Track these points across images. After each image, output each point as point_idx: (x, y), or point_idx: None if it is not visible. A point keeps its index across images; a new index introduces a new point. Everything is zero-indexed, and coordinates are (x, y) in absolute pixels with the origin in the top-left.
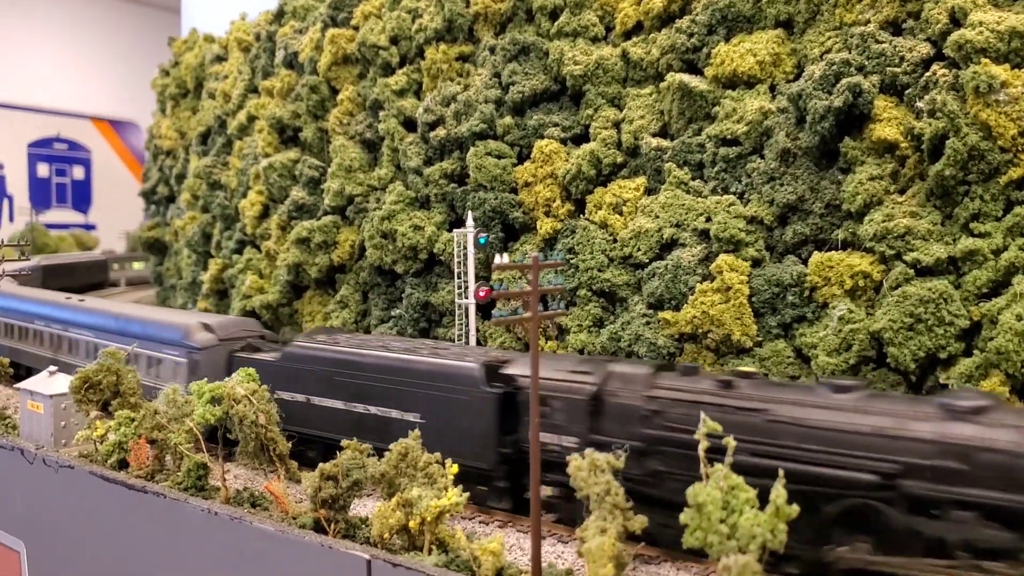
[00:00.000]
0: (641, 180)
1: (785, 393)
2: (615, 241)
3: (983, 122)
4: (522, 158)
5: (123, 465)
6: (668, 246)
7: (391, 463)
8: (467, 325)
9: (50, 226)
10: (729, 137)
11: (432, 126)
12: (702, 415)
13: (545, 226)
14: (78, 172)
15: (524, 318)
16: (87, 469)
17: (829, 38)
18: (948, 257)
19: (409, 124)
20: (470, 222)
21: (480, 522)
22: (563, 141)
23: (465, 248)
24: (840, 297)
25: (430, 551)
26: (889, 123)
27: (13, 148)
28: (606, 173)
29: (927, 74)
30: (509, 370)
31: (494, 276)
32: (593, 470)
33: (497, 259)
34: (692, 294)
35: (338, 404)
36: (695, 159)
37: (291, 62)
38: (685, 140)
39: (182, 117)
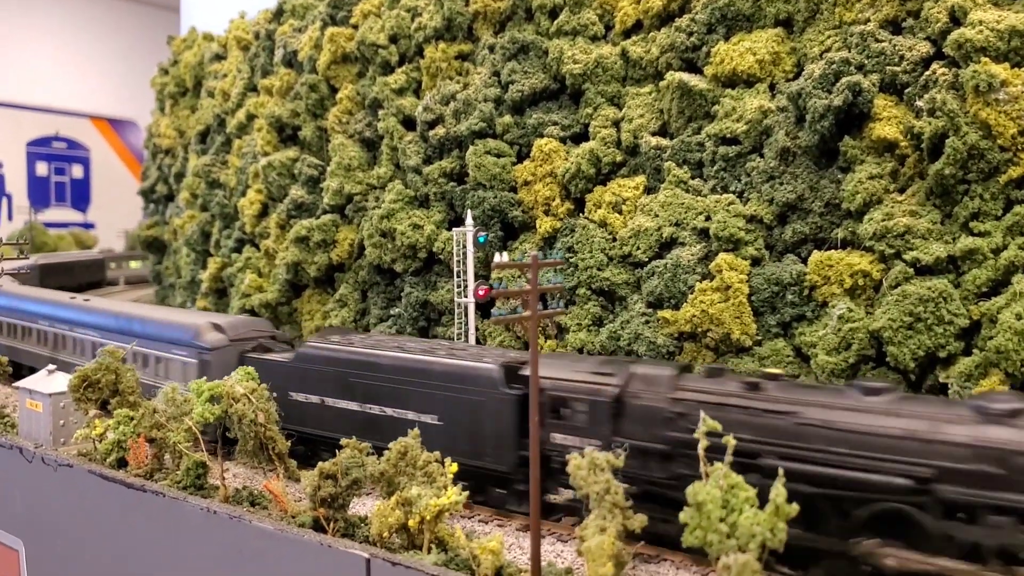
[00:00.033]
0: (640, 179)
1: (814, 395)
2: (614, 240)
3: (983, 121)
4: (521, 157)
5: (122, 464)
6: (667, 245)
7: (390, 462)
8: (466, 324)
9: (49, 225)
10: (729, 136)
11: (431, 125)
12: (702, 413)
13: (544, 225)
14: (77, 171)
15: (523, 317)
16: (86, 468)
17: (829, 37)
18: (948, 256)
19: (408, 123)
20: (469, 221)
21: (479, 521)
22: (562, 140)
23: (464, 247)
24: (840, 296)
25: (429, 550)
26: (889, 122)
27: (12, 147)
28: (605, 172)
29: (927, 73)
30: (528, 371)
31: (493, 275)
32: (593, 469)
33: (496, 258)
34: (691, 293)
35: (353, 406)
36: (694, 158)
37: (290, 61)
38: (684, 139)
39: (181, 116)
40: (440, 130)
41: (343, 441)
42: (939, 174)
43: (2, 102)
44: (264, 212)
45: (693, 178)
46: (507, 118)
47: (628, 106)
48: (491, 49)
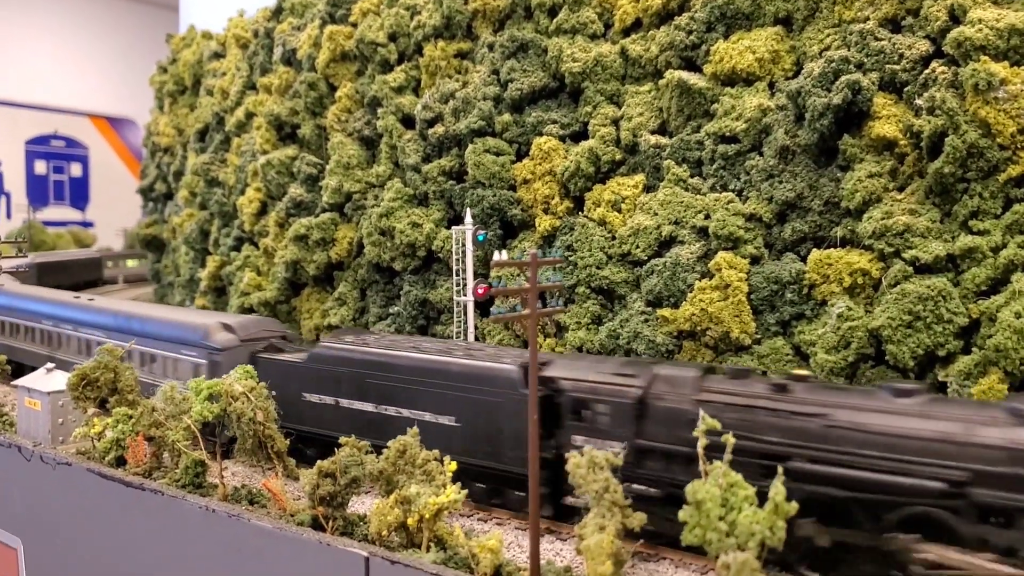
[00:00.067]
0: (640, 177)
1: (844, 397)
2: (614, 238)
3: (982, 119)
4: (521, 155)
5: (121, 462)
6: (667, 243)
7: (389, 460)
8: (465, 322)
9: (48, 223)
10: (728, 134)
11: (430, 123)
12: (701, 412)
13: (544, 223)
14: (76, 169)
15: (522, 315)
16: (84, 466)
17: (828, 35)
18: (947, 255)
19: (407, 121)
20: (468, 219)
21: (479, 519)
22: (562, 138)
23: (463, 245)
24: (839, 295)
25: (428, 548)
26: (888, 120)
27: (11, 145)
28: (605, 170)
29: (926, 71)
30: (548, 372)
31: (492, 273)
32: (592, 467)
33: (495, 256)
34: (691, 291)
35: (368, 407)
36: (694, 156)
37: (289, 59)
38: (684, 137)
39: (180, 114)
40: (439, 128)
41: (342, 440)
42: (938, 173)
43: (1, 100)
44: (263, 210)
45: (692, 176)
46: (506, 116)
47: (627, 104)
48: (490, 47)
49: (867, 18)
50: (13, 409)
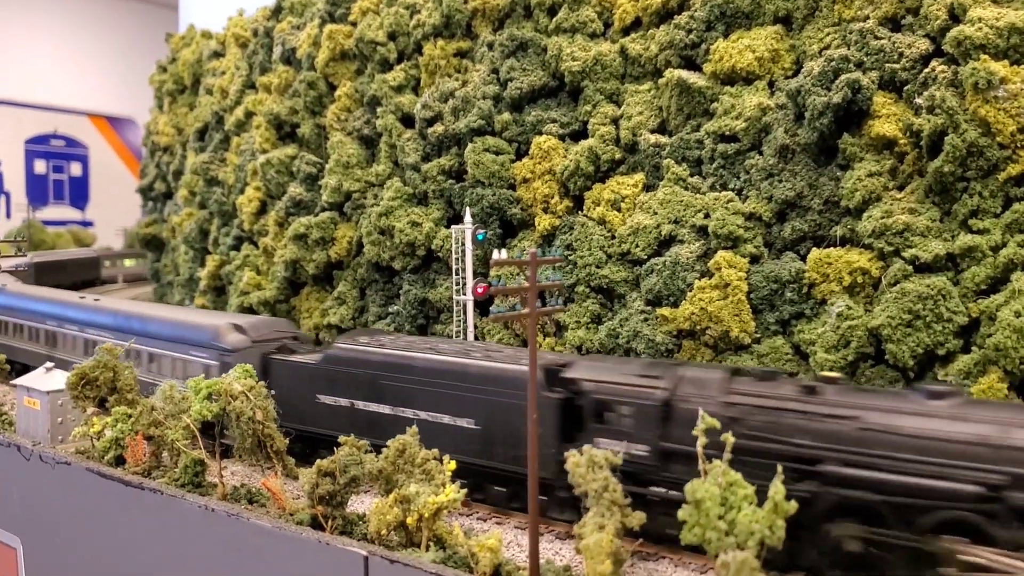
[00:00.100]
0: (639, 176)
1: (876, 400)
2: (613, 237)
3: (982, 118)
4: (520, 154)
5: (120, 461)
6: (666, 243)
7: (389, 459)
8: (465, 321)
9: (47, 223)
10: (728, 133)
11: (430, 122)
12: (700, 412)
13: (543, 222)
14: (75, 169)
15: (522, 314)
16: (84, 466)
17: (828, 34)
18: (947, 254)
19: (407, 120)
20: (468, 218)
21: (478, 519)
22: (561, 137)
23: (463, 244)
24: (838, 294)
25: (428, 548)
26: (888, 119)
27: (10, 144)
28: (604, 169)
29: (926, 70)
30: (570, 373)
31: (492, 272)
32: (591, 466)
33: (495, 255)
34: (690, 291)
35: (385, 409)
36: (693, 155)
37: (289, 58)
38: (683, 136)
39: (179, 113)
40: (439, 127)
41: (341, 439)
42: (938, 172)
43: (1, 100)
44: (262, 210)
45: (692, 176)
46: (506, 115)
47: (627, 103)
48: (490, 46)
49: (867, 17)
50: (12, 408)
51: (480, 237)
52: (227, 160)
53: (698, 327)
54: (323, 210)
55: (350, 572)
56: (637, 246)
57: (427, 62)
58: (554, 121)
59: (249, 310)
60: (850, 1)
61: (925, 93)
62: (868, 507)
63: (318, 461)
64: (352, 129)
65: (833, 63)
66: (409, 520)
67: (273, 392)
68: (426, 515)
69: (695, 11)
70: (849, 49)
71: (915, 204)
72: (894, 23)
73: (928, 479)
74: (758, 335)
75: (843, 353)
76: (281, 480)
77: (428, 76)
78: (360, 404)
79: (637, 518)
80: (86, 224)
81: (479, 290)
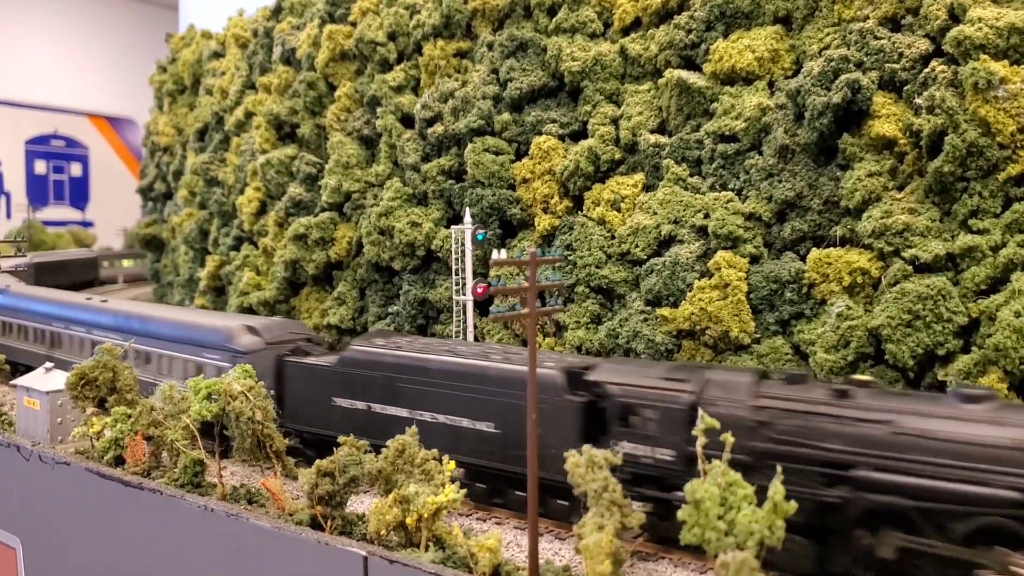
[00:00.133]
0: (639, 176)
1: (910, 403)
2: (613, 238)
3: (982, 118)
4: (520, 154)
5: (119, 462)
6: (666, 243)
7: (388, 460)
8: (464, 322)
9: (47, 223)
10: (727, 133)
11: (430, 122)
12: (700, 412)
13: (543, 223)
14: (75, 169)
15: (521, 314)
16: (83, 466)
17: (828, 34)
18: (947, 254)
19: (407, 120)
20: (468, 218)
21: (477, 519)
22: (561, 137)
23: (463, 245)
24: (838, 294)
25: (427, 548)
26: (888, 119)
27: (10, 145)
28: (604, 169)
29: (926, 70)
30: (593, 376)
31: (492, 272)
32: (591, 466)
33: (494, 255)
34: (690, 291)
35: (402, 412)
36: (693, 155)
37: (288, 58)
38: (683, 136)
39: (179, 113)
40: (439, 128)
41: (340, 439)
42: (938, 172)
43: (1, 100)
44: (262, 210)
45: (692, 176)
46: (506, 116)
47: (627, 104)
48: (490, 47)
49: (867, 17)
50: (12, 408)
51: (480, 237)
52: (227, 160)
53: (698, 327)
54: (323, 210)
55: (349, 572)
56: (637, 246)
57: (427, 62)
58: (554, 121)
59: (249, 310)
60: (850, 1)
61: (925, 93)
62: (901, 513)
63: (317, 461)
64: (352, 129)
65: (833, 63)
66: (408, 520)
67: (287, 395)
68: (425, 515)
69: (695, 11)
70: (849, 49)
71: (915, 204)
72: (894, 23)
73: (964, 484)
74: (758, 335)
75: (843, 353)
76: (280, 480)
77: (428, 76)
78: (377, 407)
79: (637, 518)
80: (86, 224)
81: (479, 290)
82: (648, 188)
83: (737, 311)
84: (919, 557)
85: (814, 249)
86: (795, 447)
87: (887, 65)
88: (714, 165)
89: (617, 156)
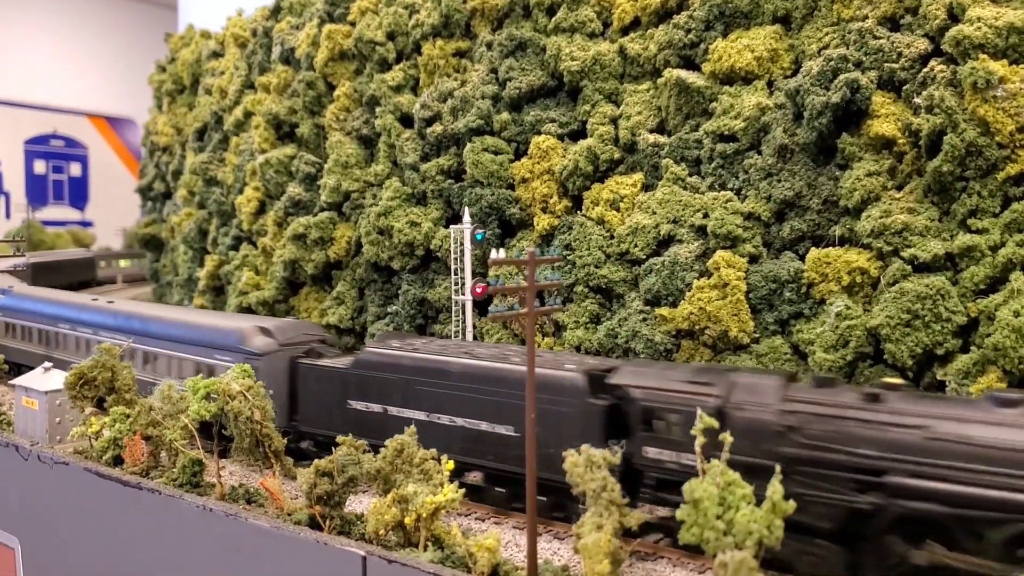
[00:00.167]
0: (638, 176)
1: (944, 407)
2: (612, 237)
3: (981, 118)
4: (519, 154)
5: (118, 462)
6: (665, 242)
7: (387, 459)
8: (464, 321)
9: (47, 223)
10: (726, 133)
11: (429, 122)
12: (699, 411)
13: (542, 222)
14: (75, 169)
15: (520, 314)
16: (82, 466)
17: (827, 34)
18: (945, 253)
19: (406, 120)
20: (467, 218)
21: (476, 519)
22: (560, 137)
23: (462, 244)
24: (837, 293)
25: (426, 548)
26: (887, 119)
27: (10, 145)
28: (603, 169)
29: (925, 70)
30: (615, 379)
31: (491, 272)
32: (589, 466)
33: (493, 254)
34: (689, 290)
35: (419, 415)
36: (692, 155)
37: (288, 58)
38: (682, 136)
39: (178, 113)
40: (438, 127)
41: (339, 439)
42: (937, 171)
43: (0, 100)
44: (261, 209)
45: (691, 175)
46: (505, 115)
47: (626, 103)
48: (489, 46)
49: (866, 16)
50: (11, 408)
51: (479, 237)
52: (226, 160)
53: (697, 327)
54: (322, 210)
55: (348, 572)
56: (636, 246)
57: (426, 62)
58: (553, 121)
59: (248, 310)
60: (849, 1)
61: (924, 93)
62: (935, 520)
63: (316, 461)
64: (351, 129)
65: (832, 63)
66: (407, 520)
67: (301, 397)
68: (424, 515)
69: (694, 11)
70: (848, 49)
71: (914, 204)
72: (893, 23)
73: (1001, 491)
74: (757, 335)
75: (842, 353)
76: (279, 480)
77: (427, 76)
78: (394, 410)
79: (635, 518)
80: (85, 224)
81: (478, 290)
82: (647, 188)
83: (736, 311)
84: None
85: (813, 249)
86: (826, 452)
87: (886, 65)
88: (713, 165)
89: (616, 156)
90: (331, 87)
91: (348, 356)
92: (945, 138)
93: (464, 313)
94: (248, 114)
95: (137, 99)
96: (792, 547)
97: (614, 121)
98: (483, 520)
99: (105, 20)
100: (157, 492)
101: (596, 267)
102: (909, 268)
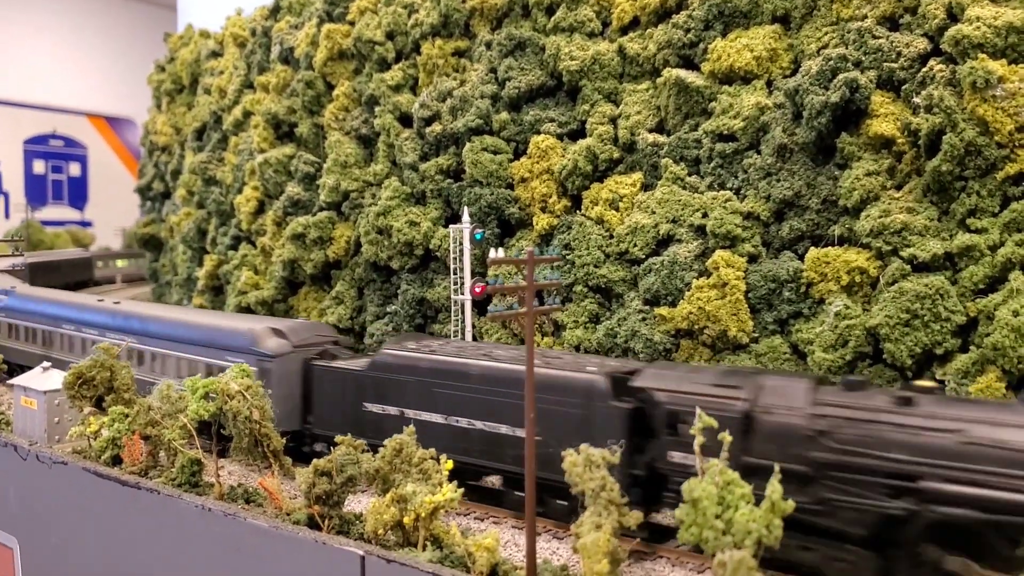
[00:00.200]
0: (637, 176)
1: (978, 411)
2: (611, 237)
3: (980, 117)
4: (518, 154)
5: (117, 461)
6: (664, 242)
7: (385, 459)
8: (463, 321)
9: (46, 223)
10: (726, 133)
11: (428, 121)
12: (697, 410)
13: (541, 222)
14: (74, 169)
15: (520, 313)
16: (80, 465)
17: (826, 33)
18: (945, 253)
19: (405, 120)
20: (466, 218)
21: (475, 518)
22: (559, 137)
23: (461, 244)
24: (836, 293)
25: (424, 547)
26: (886, 118)
27: (9, 145)
28: (602, 169)
29: (924, 69)
30: (639, 382)
31: (490, 272)
32: (588, 466)
33: (492, 254)
34: (688, 290)
35: (437, 418)
36: (691, 155)
37: (287, 57)
38: (682, 136)
39: (178, 113)
40: (437, 127)
41: (338, 438)
42: (936, 171)
43: (0, 100)
44: (260, 209)
45: (690, 175)
46: (504, 115)
47: (625, 103)
48: (488, 46)
49: (865, 16)
50: (9, 408)
51: (478, 236)
52: (225, 160)
53: (696, 326)
54: (321, 209)
55: (347, 572)
56: (635, 245)
57: (425, 61)
58: (552, 120)
59: (247, 310)
60: (848, 0)
61: (923, 92)
62: (970, 526)
63: (315, 460)
64: (350, 128)
65: (831, 62)
66: (406, 520)
67: (315, 400)
68: (423, 515)
69: (693, 10)
70: (847, 48)
71: (913, 203)
72: (892, 22)
73: None
74: (756, 334)
75: (841, 352)
76: (278, 480)
77: (426, 75)
78: (411, 413)
79: (634, 517)
80: (85, 224)
81: (477, 290)
82: (646, 187)
83: (735, 310)
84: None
85: (812, 248)
86: (858, 457)
87: (885, 64)
88: (712, 164)
89: (615, 155)
90: (330, 87)
91: (363, 358)
92: (944, 138)
93: (463, 313)
94: (247, 114)
95: (136, 99)
96: (823, 553)
97: (613, 121)
98: (482, 520)
99: (104, 20)
100: (156, 492)
101: (595, 267)
102: (908, 268)
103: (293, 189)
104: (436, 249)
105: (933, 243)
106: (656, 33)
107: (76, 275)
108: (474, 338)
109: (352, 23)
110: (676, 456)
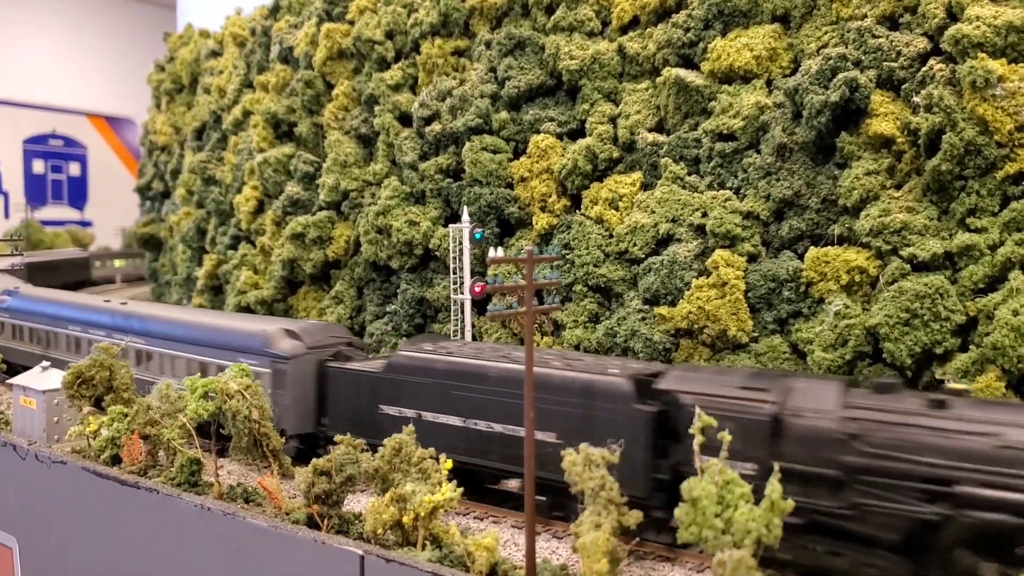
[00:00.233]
0: (637, 175)
1: (1013, 414)
2: (611, 236)
3: (980, 117)
4: (518, 153)
5: (116, 461)
6: (664, 241)
7: (384, 459)
8: (462, 320)
9: (46, 223)
10: (725, 132)
11: (427, 121)
12: (697, 410)
13: (541, 221)
14: (74, 168)
15: (519, 313)
16: (80, 465)
17: (826, 33)
18: (944, 252)
19: (404, 119)
20: (466, 217)
21: (475, 518)
22: (559, 136)
23: (460, 243)
24: (836, 292)
25: (424, 547)
26: (886, 118)
27: (9, 144)
28: (602, 168)
29: (924, 69)
30: (663, 384)
31: (490, 271)
32: (588, 465)
33: (492, 253)
34: (688, 289)
35: (455, 421)
36: (691, 154)
37: (286, 57)
38: (681, 135)
39: (177, 112)
40: (436, 126)
41: (337, 438)
42: (936, 170)
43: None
44: (260, 209)
45: (690, 174)
46: (503, 114)
47: (625, 102)
48: (487, 45)
49: (865, 15)
50: (8, 408)
51: (478, 236)
52: (225, 159)
53: (696, 326)
54: (320, 209)
55: (346, 571)
56: (635, 245)
57: (425, 61)
58: (552, 120)
59: (247, 309)
60: (848, 0)
61: (923, 91)
62: (1005, 532)
63: (314, 460)
64: (349, 128)
65: (831, 61)
66: (405, 519)
67: (330, 402)
68: (422, 514)
69: (693, 10)
70: (847, 47)
71: (913, 203)
72: (892, 21)
73: None
74: (755, 334)
75: (841, 352)
76: (277, 479)
77: (426, 75)
78: (428, 415)
79: (634, 517)
80: (85, 224)
81: (476, 289)
82: (646, 187)
83: (735, 310)
84: None
85: (812, 248)
86: (890, 461)
87: (885, 63)
88: (712, 164)
89: (615, 155)
90: (330, 86)
91: (378, 359)
92: (944, 137)
93: (463, 312)
94: (247, 113)
95: (136, 99)
96: (853, 558)
97: (613, 120)
98: (481, 519)
99: (104, 20)
100: (155, 491)
101: (595, 266)
102: (908, 267)
103: (292, 188)
104: (436, 248)
105: (933, 242)
106: (656, 32)
107: (74, 275)
108: (474, 337)
109: (351, 22)
110: (703, 460)
